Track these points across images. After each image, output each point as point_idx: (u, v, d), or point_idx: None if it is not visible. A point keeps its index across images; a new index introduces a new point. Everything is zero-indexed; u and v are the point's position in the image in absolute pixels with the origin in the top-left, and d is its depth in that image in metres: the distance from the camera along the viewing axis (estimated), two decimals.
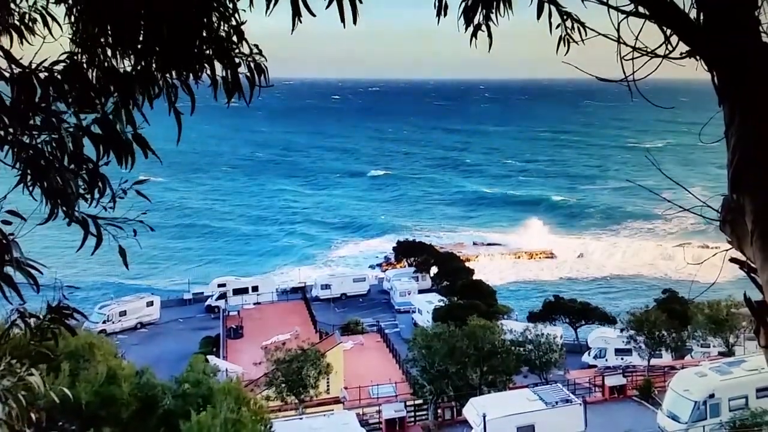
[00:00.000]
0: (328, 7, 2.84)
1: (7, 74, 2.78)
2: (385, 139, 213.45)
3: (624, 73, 2.94)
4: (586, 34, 3.27)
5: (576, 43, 3.29)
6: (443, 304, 53.66)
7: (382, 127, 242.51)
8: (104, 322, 55.33)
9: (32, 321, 3.58)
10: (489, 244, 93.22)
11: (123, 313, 57.89)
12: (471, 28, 3.23)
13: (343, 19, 2.84)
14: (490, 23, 3.23)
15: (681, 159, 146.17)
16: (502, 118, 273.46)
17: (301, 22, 2.90)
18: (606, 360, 48.38)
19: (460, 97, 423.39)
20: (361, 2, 2.85)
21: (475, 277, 63.64)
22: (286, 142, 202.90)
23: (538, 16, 3.20)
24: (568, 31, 3.26)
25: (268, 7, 2.91)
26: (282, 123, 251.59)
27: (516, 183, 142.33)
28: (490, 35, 3.26)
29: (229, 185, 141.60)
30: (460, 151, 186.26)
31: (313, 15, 2.90)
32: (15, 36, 3.14)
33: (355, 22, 2.86)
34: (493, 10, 3.21)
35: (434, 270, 68.05)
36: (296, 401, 36.49)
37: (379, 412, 37.10)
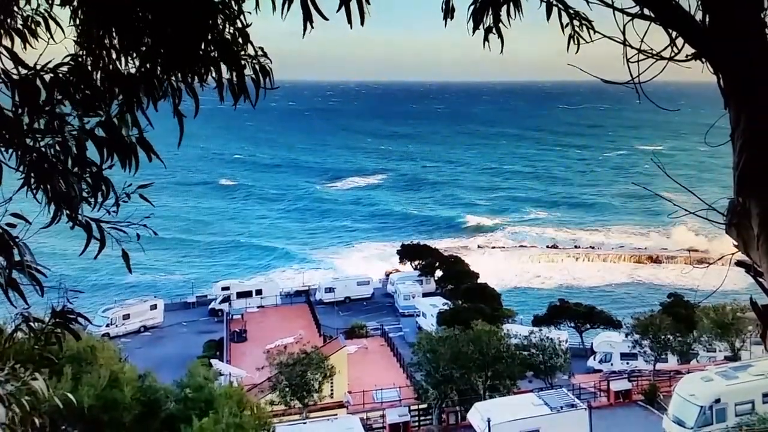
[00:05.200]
0: (339, 10, 2.80)
1: (14, 75, 2.78)
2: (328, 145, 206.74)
3: (631, 75, 2.92)
4: (594, 33, 3.26)
5: (585, 41, 3.27)
6: (448, 308, 53.39)
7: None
8: (107, 326, 55.22)
9: (36, 325, 3.58)
10: None
11: (126, 317, 57.79)
12: (480, 31, 3.21)
13: (350, 21, 2.80)
14: (500, 25, 3.21)
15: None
16: (450, 121, 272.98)
17: (312, 27, 2.86)
18: (611, 364, 48.15)
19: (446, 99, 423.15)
20: (368, 3, 2.83)
21: None
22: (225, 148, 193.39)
23: (548, 17, 3.19)
24: (577, 29, 3.24)
25: (277, 9, 2.88)
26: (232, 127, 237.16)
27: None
28: (500, 37, 3.24)
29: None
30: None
31: (326, 19, 2.85)
32: (18, 40, 3.14)
33: (362, 23, 2.83)
34: (502, 12, 3.19)
35: (439, 273, 67.91)
36: (299, 405, 36.44)
37: (383, 416, 36.97)
